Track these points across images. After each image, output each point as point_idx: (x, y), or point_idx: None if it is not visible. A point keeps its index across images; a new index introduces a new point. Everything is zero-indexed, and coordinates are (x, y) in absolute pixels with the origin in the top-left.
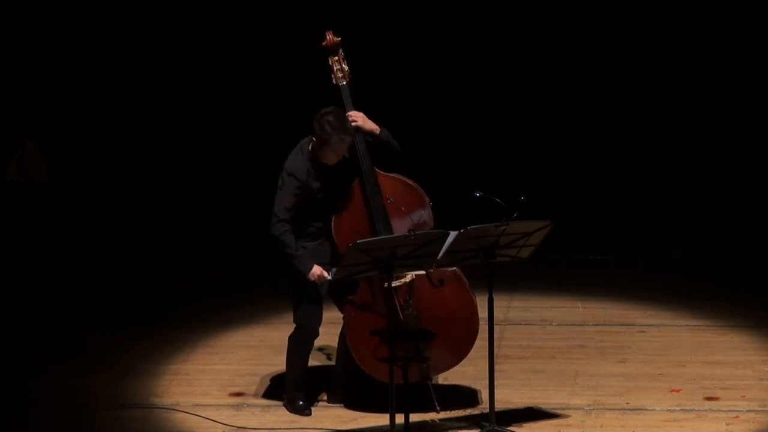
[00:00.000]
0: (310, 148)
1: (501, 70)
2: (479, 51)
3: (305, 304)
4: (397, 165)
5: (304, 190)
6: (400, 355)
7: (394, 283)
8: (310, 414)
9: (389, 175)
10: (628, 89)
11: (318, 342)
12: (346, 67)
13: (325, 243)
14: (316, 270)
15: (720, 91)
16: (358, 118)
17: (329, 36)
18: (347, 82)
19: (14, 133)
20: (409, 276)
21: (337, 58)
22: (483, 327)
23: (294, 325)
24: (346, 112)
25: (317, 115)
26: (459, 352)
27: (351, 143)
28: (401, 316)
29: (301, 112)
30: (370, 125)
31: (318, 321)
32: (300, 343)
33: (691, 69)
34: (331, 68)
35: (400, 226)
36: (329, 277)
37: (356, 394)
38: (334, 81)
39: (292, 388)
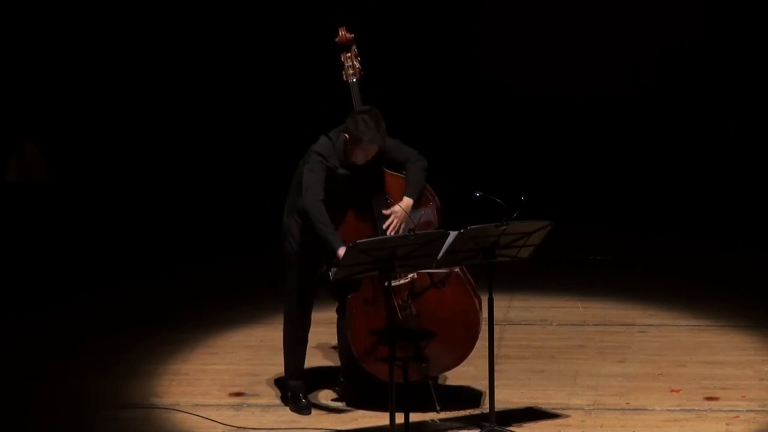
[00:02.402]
0: (342, 144)
1: (501, 70)
2: (479, 51)
3: (296, 295)
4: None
5: (329, 173)
6: (399, 355)
7: (393, 283)
8: (309, 413)
9: (395, 174)
10: (628, 89)
11: (319, 340)
12: (357, 65)
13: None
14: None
15: (720, 91)
16: (398, 215)
17: (342, 32)
18: (358, 80)
19: (14, 133)
20: (410, 276)
21: (349, 54)
22: (483, 327)
23: (286, 317)
24: (371, 112)
25: (353, 112)
26: (459, 353)
27: (382, 147)
28: (399, 316)
29: (300, 112)
30: (407, 206)
31: (308, 311)
32: (292, 334)
33: (691, 69)
34: (342, 65)
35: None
36: None
37: (357, 394)
38: (344, 78)
39: (289, 378)
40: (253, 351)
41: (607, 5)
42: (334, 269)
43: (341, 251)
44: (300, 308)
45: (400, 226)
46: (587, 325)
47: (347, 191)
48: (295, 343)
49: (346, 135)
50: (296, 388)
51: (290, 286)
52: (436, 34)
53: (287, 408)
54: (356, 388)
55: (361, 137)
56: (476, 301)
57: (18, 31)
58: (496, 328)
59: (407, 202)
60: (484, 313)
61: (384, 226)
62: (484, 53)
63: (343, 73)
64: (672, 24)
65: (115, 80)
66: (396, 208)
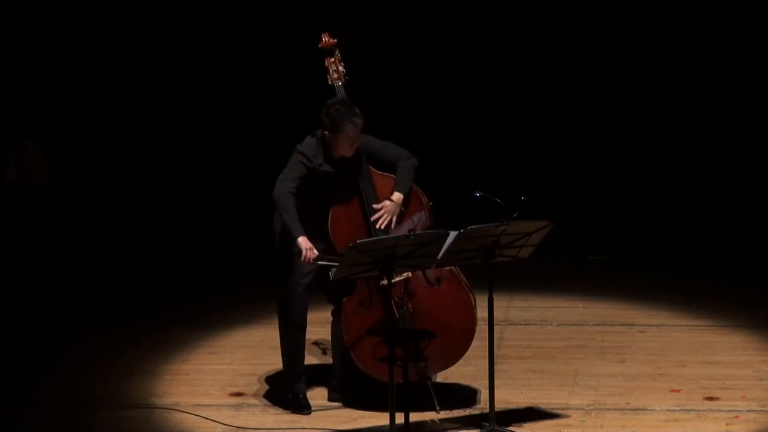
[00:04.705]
0: (325, 141)
1: (502, 70)
2: (480, 51)
3: (289, 295)
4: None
5: (312, 172)
6: (398, 355)
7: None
8: (309, 413)
9: (386, 175)
10: (628, 89)
11: (317, 340)
12: (342, 69)
13: (320, 240)
14: (304, 242)
15: (720, 91)
16: (389, 210)
17: (325, 38)
18: (342, 83)
19: (14, 133)
20: (405, 274)
21: (333, 59)
22: (483, 327)
23: (280, 318)
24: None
25: (323, 108)
26: (455, 351)
27: (365, 144)
28: (396, 314)
29: (300, 112)
30: (398, 198)
31: (303, 310)
32: (287, 335)
33: (690, 69)
34: (327, 69)
35: (396, 227)
36: (314, 256)
37: (356, 394)
38: (329, 82)
39: (288, 379)
40: (253, 351)
41: (608, 9)
42: (333, 269)
43: (300, 240)
44: (293, 308)
45: (390, 220)
46: (587, 325)
47: (336, 190)
48: (292, 344)
49: (325, 131)
50: (295, 388)
51: (281, 286)
52: (436, 34)
53: (287, 408)
54: (350, 391)
55: (339, 124)
56: (471, 298)
57: (18, 32)
58: (496, 328)
59: (397, 197)
60: (483, 313)
61: (373, 219)
62: (485, 53)
63: (329, 77)
64: (672, 26)
65: (114, 80)
66: (386, 202)
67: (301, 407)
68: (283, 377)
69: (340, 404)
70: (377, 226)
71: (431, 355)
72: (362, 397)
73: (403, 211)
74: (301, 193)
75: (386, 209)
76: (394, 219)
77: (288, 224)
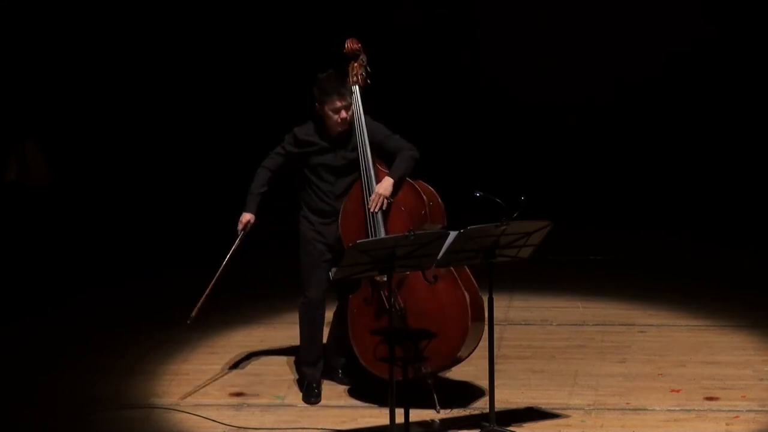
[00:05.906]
0: (319, 118)
1: (502, 70)
2: (480, 51)
3: (308, 275)
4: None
5: (299, 144)
6: (398, 354)
7: (378, 278)
8: (318, 401)
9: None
10: (628, 89)
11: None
12: (363, 73)
13: (335, 224)
14: (243, 218)
15: (720, 91)
16: (380, 191)
17: (348, 43)
18: (360, 87)
19: (14, 133)
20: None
21: (356, 63)
22: (482, 326)
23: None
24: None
25: (316, 82)
26: (450, 351)
27: (351, 102)
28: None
29: (302, 112)
30: (388, 185)
31: (320, 291)
32: (304, 314)
33: (690, 69)
34: (348, 72)
35: (398, 226)
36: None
37: (356, 388)
38: (349, 83)
39: (302, 364)
40: (253, 351)
41: (609, 11)
42: (333, 269)
43: (244, 215)
44: (309, 284)
45: (382, 203)
46: (587, 325)
47: (337, 170)
48: (307, 322)
49: (317, 103)
50: (308, 374)
51: (302, 271)
52: (437, 35)
53: (287, 408)
54: (343, 357)
55: (325, 96)
56: (466, 295)
57: (18, 32)
58: (496, 328)
59: (387, 181)
60: (485, 313)
61: (368, 207)
62: (485, 54)
63: (348, 79)
64: (672, 26)
65: (114, 80)
66: (377, 189)
67: (310, 395)
68: (298, 362)
69: (342, 401)
70: (369, 212)
71: (426, 352)
72: (365, 388)
73: (390, 202)
74: (302, 171)
75: (374, 196)
76: (385, 202)
77: (248, 196)
